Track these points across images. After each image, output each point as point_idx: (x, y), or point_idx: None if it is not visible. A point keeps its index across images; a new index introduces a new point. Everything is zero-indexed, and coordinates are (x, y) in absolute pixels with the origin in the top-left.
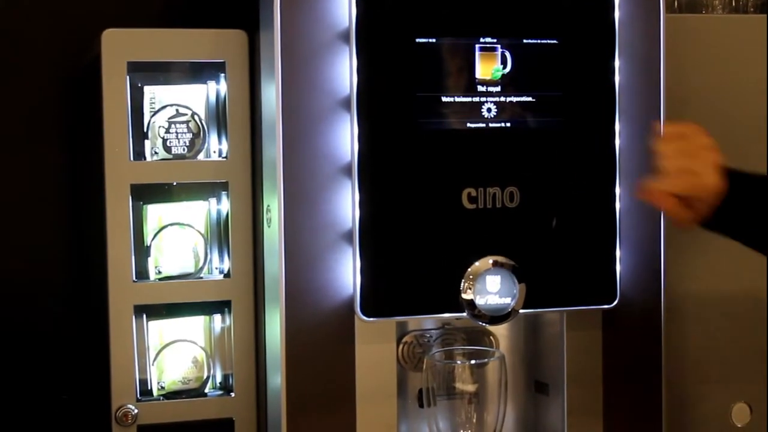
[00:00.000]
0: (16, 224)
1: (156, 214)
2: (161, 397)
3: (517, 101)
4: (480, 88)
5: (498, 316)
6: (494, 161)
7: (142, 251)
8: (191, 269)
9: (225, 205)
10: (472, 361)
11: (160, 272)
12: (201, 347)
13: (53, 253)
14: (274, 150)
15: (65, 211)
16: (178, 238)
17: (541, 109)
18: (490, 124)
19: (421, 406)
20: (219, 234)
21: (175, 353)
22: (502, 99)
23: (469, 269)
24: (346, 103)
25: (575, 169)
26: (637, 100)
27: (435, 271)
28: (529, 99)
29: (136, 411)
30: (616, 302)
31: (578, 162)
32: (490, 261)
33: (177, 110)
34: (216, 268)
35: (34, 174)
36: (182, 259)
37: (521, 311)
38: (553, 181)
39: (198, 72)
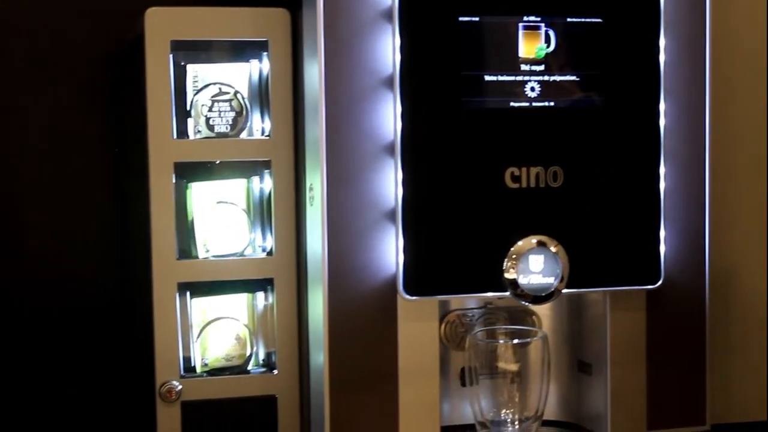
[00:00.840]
0: (61, 203)
1: (199, 192)
2: (205, 374)
3: (560, 80)
4: (523, 67)
5: (541, 296)
6: (537, 140)
7: (185, 229)
8: (238, 248)
9: (268, 184)
10: (515, 341)
11: (208, 251)
12: (244, 325)
13: (98, 230)
14: (316, 129)
15: (110, 189)
16: (223, 217)
17: (584, 88)
18: (534, 104)
19: (464, 385)
20: (261, 212)
21: (218, 330)
22: (546, 78)
23: (512, 248)
24: (389, 82)
25: (619, 149)
26: (682, 79)
27: (478, 250)
28: (573, 78)
29: (180, 387)
30: (660, 283)
31: (622, 141)
32: (534, 240)
33: (220, 89)
34: (259, 246)
35: (78, 153)
36: (229, 238)
37: (564, 291)
38: (596, 160)
39: (241, 50)
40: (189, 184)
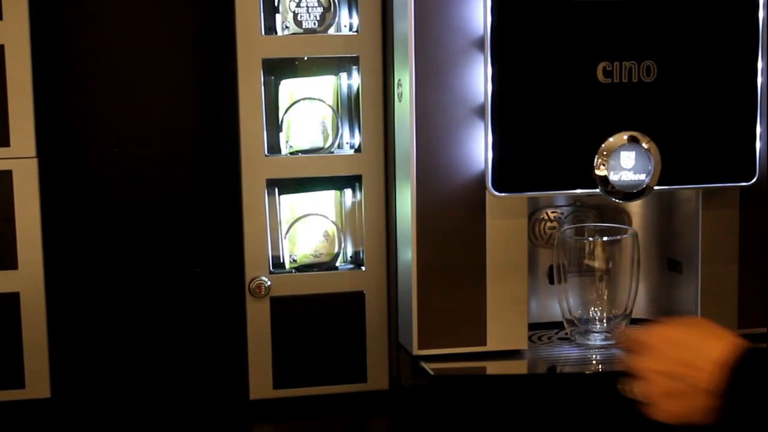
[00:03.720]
0: (151, 101)
1: (288, 89)
2: (293, 270)
3: None
4: None
5: (632, 193)
6: (630, 34)
7: (274, 126)
8: (321, 144)
9: (356, 80)
10: (604, 238)
11: (291, 147)
12: (332, 221)
13: (187, 128)
14: (405, 24)
15: (198, 86)
16: (309, 113)
17: None
18: None
19: (552, 282)
20: (350, 109)
21: (306, 227)
22: None
23: (603, 145)
24: None
25: (714, 42)
26: None
27: (568, 146)
28: None
29: (269, 283)
30: (754, 179)
31: (718, 35)
32: (625, 137)
33: None
34: (347, 143)
35: (166, 51)
36: (313, 134)
37: (656, 188)
38: (691, 54)
39: None
40: (278, 81)
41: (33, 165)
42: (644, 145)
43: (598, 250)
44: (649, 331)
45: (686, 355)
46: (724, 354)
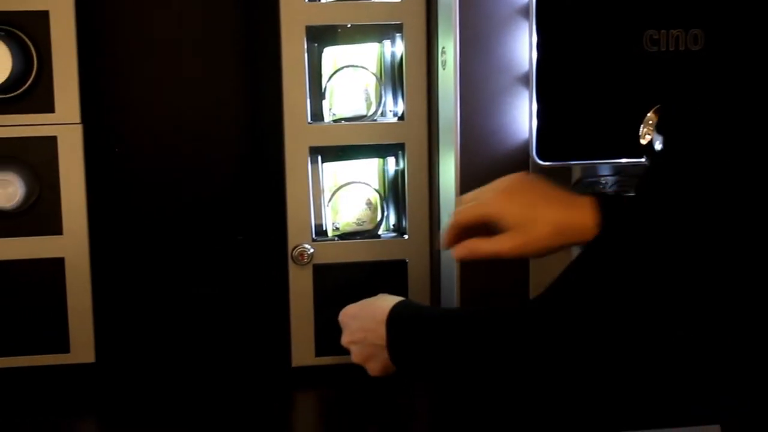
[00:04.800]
0: (193, 68)
1: (331, 56)
2: (336, 238)
3: None
4: None
5: None
6: (678, 1)
7: (317, 94)
8: (364, 112)
9: (399, 48)
10: None
11: (334, 115)
12: (375, 189)
13: (229, 96)
14: None
15: (241, 54)
16: (352, 81)
17: None
18: None
19: None
20: (393, 76)
21: (349, 195)
22: None
23: (649, 114)
24: None
25: (765, 10)
26: None
27: (612, 115)
28: None
29: (311, 250)
30: None
31: None
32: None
33: None
34: (390, 111)
35: (209, 17)
36: (356, 102)
37: None
38: (740, 22)
39: None
40: (321, 48)
41: (78, 131)
42: None
43: None
44: (342, 311)
45: (364, 322)
46: (388, 312)
